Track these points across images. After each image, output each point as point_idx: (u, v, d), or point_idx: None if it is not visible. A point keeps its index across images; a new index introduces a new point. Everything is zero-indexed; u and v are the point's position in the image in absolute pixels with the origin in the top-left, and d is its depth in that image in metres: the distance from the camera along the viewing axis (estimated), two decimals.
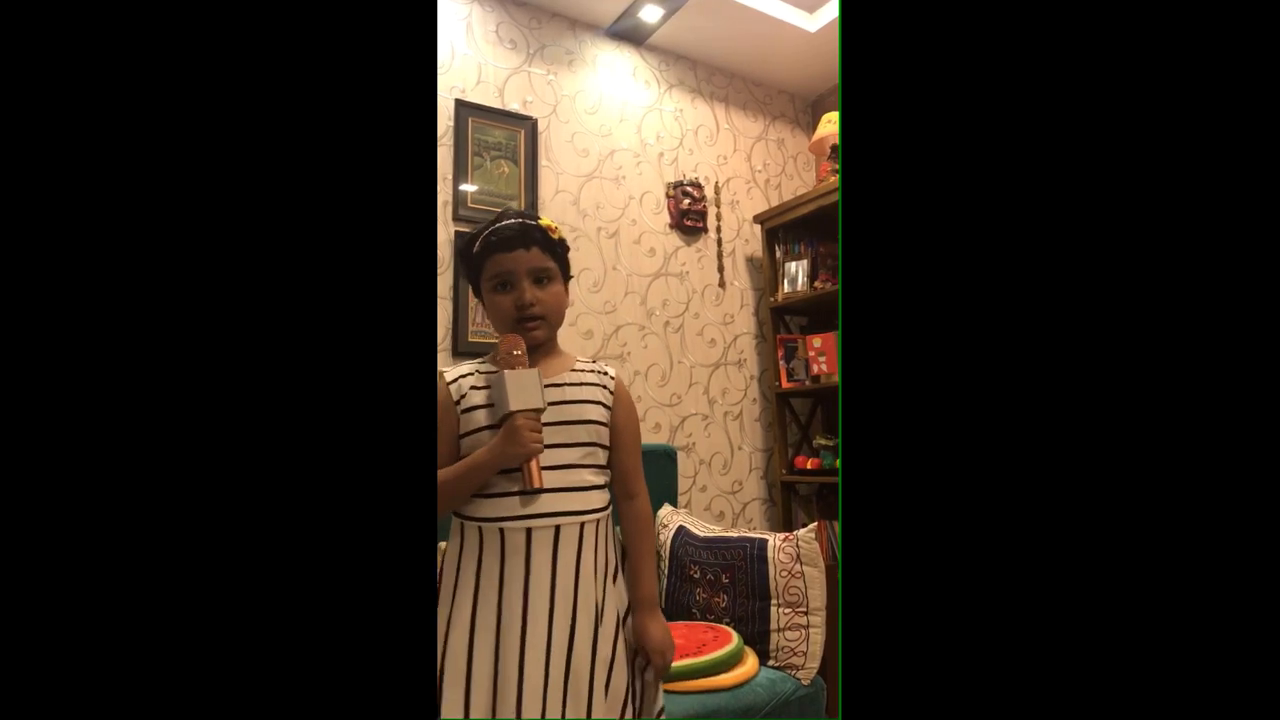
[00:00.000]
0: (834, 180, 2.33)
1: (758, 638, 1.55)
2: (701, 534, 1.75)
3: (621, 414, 1.03)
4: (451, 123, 2.10)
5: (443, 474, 0.91)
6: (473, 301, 2.03)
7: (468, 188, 2.10)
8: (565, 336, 2.20)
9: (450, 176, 2.07)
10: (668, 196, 2.51)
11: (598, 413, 0.99)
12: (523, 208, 2.17)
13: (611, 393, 1.03)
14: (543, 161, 2.25)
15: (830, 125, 2.50)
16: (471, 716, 0.85)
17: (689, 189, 2.53)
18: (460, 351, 2.00)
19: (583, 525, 0.93)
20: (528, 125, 2.22)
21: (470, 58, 2.18)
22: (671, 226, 2.50)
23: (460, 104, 2.11)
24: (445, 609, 0.90)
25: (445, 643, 0.88)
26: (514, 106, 2.23)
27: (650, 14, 2.36)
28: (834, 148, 2.46)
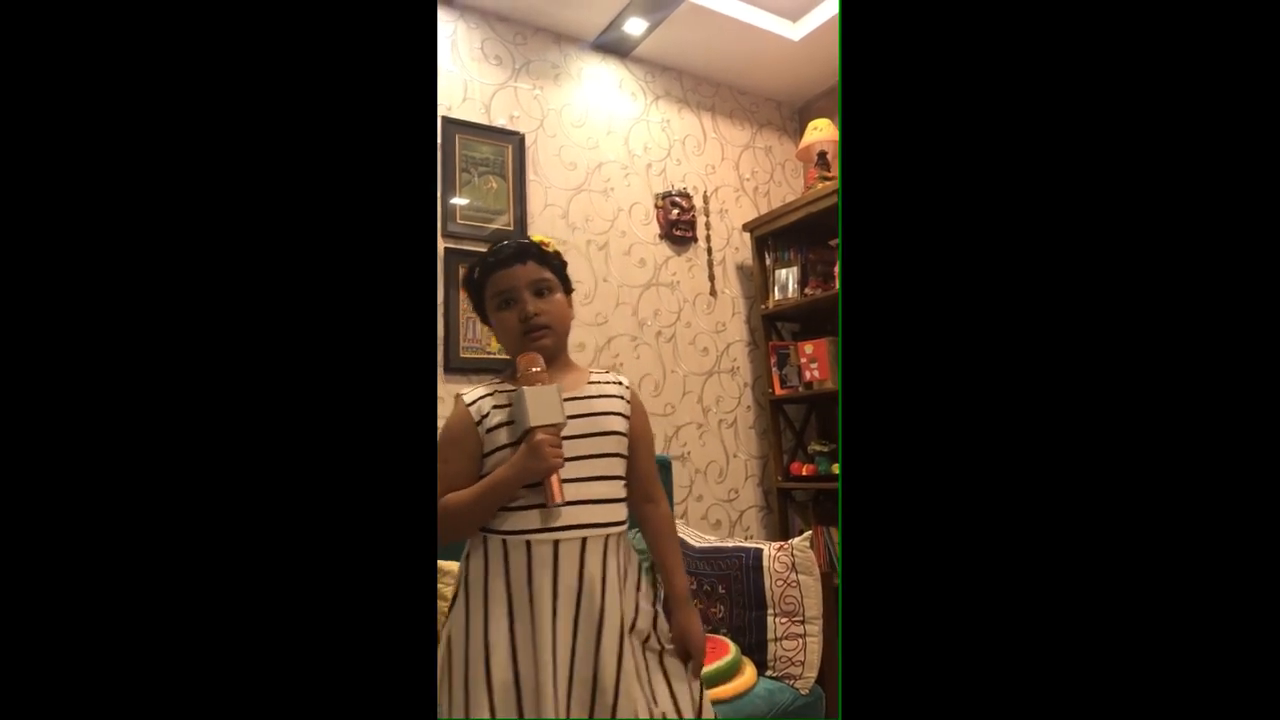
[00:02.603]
0: (822, 187, 2.34)
1: (755, 648, 1.55)
2: (697, 545, 1.75)
3: (638, 421, 1.05)
4: (439, 139, 2.10)
5: (465, 493, 0.93)
6: (463, 319, 2.03)
7: (457, 203, 2.10)
8: None
9: (439, 192, 2.08)
10: (656, 207, 2.52)
11: (618, 423, 1.01)
12: (511, 223, 2.18)
13: (628, 402, 1.05)
14: (530, 176, 2.26)
15: (817, 132, 2.51)
16: None
17: (677, 199, 2.54)
18: (453, 368, 2.00)
19: (607, 538, 0.94)
20: (515, 140, 2.23)
21: (456, 74, 2.19)
22: (661, 237, 2.51)
23: (447, 120, 2.12)
24: (479, 626, 0.90)
25: (488, 660, 0.88)
26: (501, 122, 2.24)
27: (635, 26, 2.37)
28: (821, 154, 2.47)
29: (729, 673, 1.43)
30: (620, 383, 1.07)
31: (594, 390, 1.03)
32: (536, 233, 2.22)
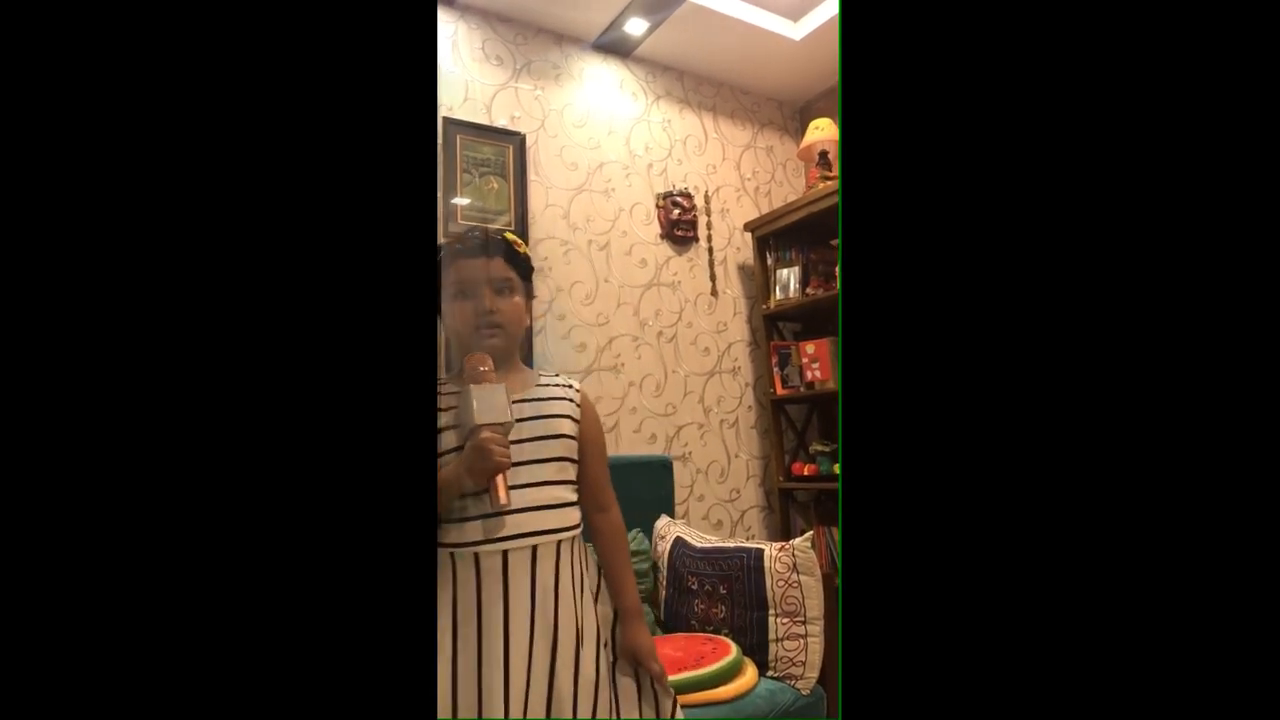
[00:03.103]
0: (823, 186, 2.34)
1: (756, 648, 1.55)
2: (699, 545, 1.75)
3: (589, 425, 1.03)
4: (440, 140, 2.10)
5: None
6: None
7: (458, 203, 2.10)
8: (559, 350, 2.20)
9: (440, 193, 2.08)
10: (658, 207, 2.51)
11: (568, 426, 0.99)
12: (513, 223, 2.17)
13: (578, 405, 1.03)
14: (531, 176, 2.26)
15: (818, 131, 2.51)
16: None
17: (679, 199, 2.54)
18: (454, 369, 2.00)
19: (559, 544, 0.92)
20: (516, 140, 2.23)
21: (457, 75, 2.19)
22: (662, 237, 2.51)
23: (448, 121, 2.12)
24: None
25: None
26: (502, 122, 2.24)
27: (635, 27, 2.37)
28: (822, 154, 2.47)
29: (730, 673, 1.43)
30: (570, 385, 1.05)
31: (542, 393, 1.01)
32: (538, 233, 2.23)
